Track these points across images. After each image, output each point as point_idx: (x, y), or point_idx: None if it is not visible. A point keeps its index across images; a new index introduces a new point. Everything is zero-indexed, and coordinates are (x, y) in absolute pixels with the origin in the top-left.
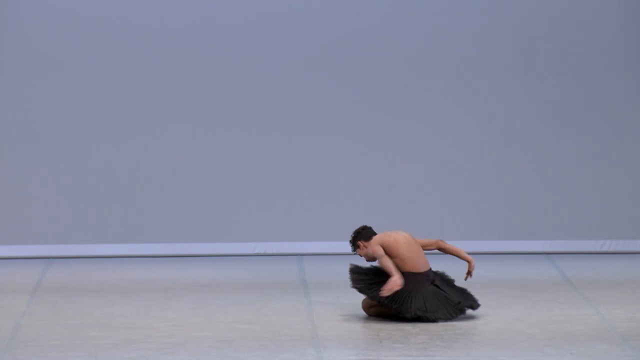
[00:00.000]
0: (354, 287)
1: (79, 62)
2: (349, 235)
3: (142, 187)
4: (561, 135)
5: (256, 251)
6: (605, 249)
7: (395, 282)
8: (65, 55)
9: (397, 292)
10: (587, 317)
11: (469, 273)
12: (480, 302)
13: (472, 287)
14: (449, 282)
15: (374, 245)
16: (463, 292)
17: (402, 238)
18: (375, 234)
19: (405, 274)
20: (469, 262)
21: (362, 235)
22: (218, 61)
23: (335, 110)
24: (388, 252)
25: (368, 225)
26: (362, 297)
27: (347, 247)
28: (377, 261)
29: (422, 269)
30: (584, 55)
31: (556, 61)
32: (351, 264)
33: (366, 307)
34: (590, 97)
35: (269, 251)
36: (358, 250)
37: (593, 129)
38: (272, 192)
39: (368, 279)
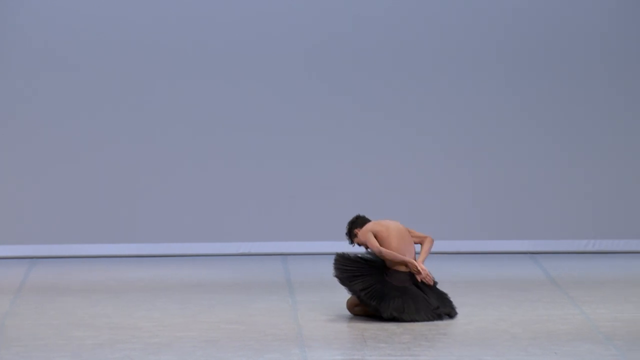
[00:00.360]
0: (337, 276)
1: (72, 62)
2: (334, 235)
3: (128, 187)
4: (546, 135)
5: (241, 251)
6: (589, 248)
7: (427, 274)
8: (59, 56)
9: (377, 290)
10: (571, 317)
11: (420, 278)
12: (463, 303)
13: (456, 286)
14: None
15: (366, 233)
16: (443, 297)
17: (394, 230)
18: (369, 220)
19: (389, 271)
20: (415, 267)
21: (357, 223)
22: (206, 62)
23: (320, 110)
24: (379, 242)
25: (361, 214)
26: (347, 296)
27: (332, 247)
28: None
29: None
30: (571, 54)
31: (544, 60)
32: (337, 253)
33: (351, 306)
34: (577, 97)
35: (253, 251)
36: (355, 239)
37: (578, 129)
38: (257, 192)
39: (352, 270)
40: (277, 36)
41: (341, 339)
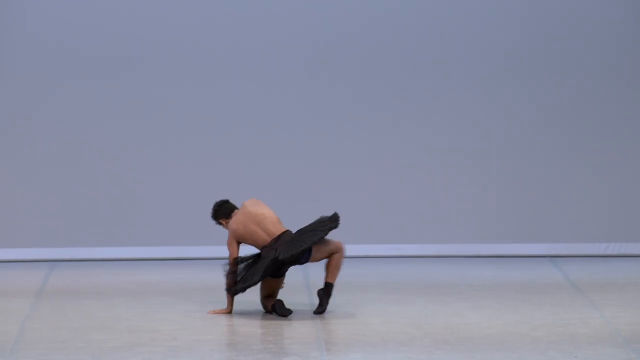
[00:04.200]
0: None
1: (89, 70)
2: (349, 237)
3: (148, 190)
4: (565, 137)
5: None
6: (609, 252)
7: (223, 310)
8: (70, 63)
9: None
10: (592, 321)
11: None
12: (484, 306)
13: (477, 290)
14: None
15: (231, 237)
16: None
17: (253, 225)
18: (234, 209)
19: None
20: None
21: (222, 212)
22: (203, 67)
23: (331, 110)
24: (243, 241)
25: (227, 200)
26: (370, 298)
27: (349, 250)
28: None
29: (270, 239)
30: (586, 55)
31: (559, 62)
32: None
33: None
34: (594, 99)
35: None
36: (222, 225)
37: (597, 131)
38: (275, 194)
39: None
40: (273, 38)
41: (361, 342)
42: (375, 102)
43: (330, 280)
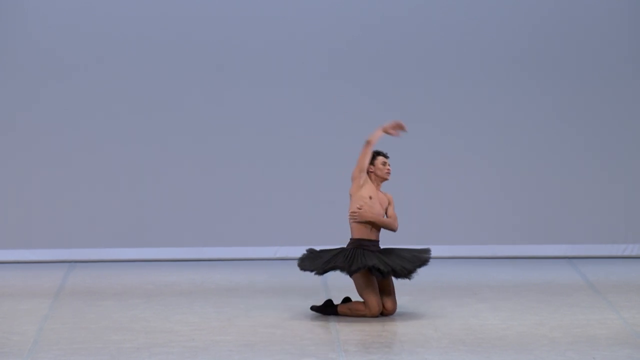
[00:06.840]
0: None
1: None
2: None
3: (166, 191)
4: (584, 139)
5: (278, 255)
6: (627, 253)
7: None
8: (78, 63)
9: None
10: (610, 322)
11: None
12: (502, 307)
13: (495, 290)
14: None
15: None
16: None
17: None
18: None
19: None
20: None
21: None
22: (230, 66)
23: (352, 113)
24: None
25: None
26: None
27: None
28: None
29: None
30: (604, 55)
31: (575, 62)
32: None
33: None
34: (613, 100)
35: (290, 255)
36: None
37: (616, 133)
38: (293, 196)
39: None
40: (286, 39)
41: (378, 343)
42: (392, 103)
43: (339, 309)
